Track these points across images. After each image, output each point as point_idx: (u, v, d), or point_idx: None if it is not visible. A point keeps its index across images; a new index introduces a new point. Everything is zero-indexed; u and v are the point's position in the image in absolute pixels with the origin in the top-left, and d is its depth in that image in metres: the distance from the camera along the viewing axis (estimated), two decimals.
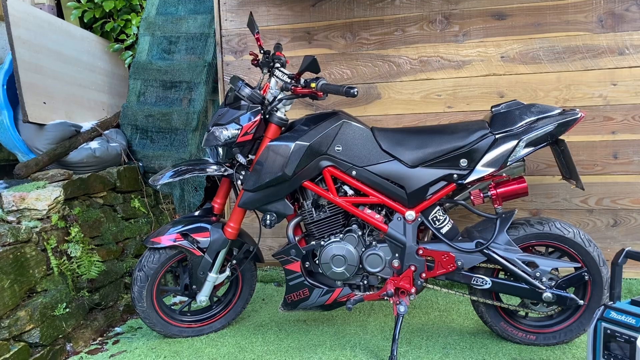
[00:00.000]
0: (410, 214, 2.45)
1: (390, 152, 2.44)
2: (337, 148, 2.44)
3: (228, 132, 2.43)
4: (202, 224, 2.62)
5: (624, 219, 3.11)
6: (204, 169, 2.53)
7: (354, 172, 2.46)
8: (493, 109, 2.45)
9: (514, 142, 2.33)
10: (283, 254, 2.56)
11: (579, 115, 2.35)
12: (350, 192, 2.52)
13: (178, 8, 3.91)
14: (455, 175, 2.40)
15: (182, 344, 2.75)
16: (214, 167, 2.55)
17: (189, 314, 2.85)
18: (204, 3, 3.86)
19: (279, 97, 2.46)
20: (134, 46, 4.10)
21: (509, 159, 2.35)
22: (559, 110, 2.39)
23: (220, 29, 3.62)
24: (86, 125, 3.64)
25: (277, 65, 2.56)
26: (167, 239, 2.58)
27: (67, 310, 2.70)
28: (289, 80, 2.43)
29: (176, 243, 2.58)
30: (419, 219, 2.47)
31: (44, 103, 3.38)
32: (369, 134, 2.47)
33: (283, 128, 2.52)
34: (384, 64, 3.37)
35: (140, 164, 3.71)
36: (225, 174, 2.56)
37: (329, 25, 3.44)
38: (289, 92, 2.44)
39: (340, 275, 2.51)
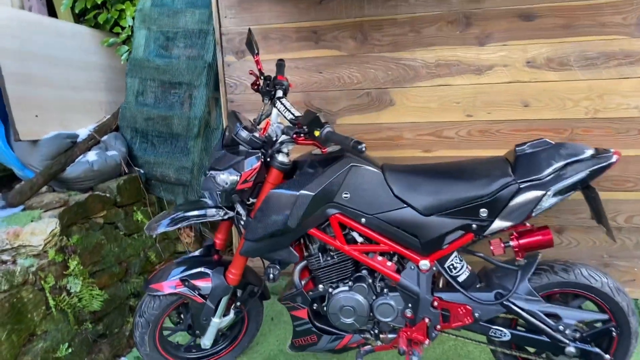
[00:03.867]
0: (425, 264, 2.27)
1: (403, 199, 2.22)
2: (345, 195, 2.22)
3: (226, 178, 2.23)
4: (203, 269, 2.46)
5: None
6: (203, 215, 2.36)
7: (363, 220, 2.25)
8: (517, 149, 2.20)
9: (541, 193, 2.09)
10: (289, 301, 2.42)
11: (613, 160, 2.09)
12: (359, 239, 2.33)
13: (174, 0, 3.59)
14: (474, 226, 2.19)
15: None
16: (213, 211, 2.38)
17: (194, 350, 2.76)
18: None
19: (280, 139, 2.23)
20: (129, 40, 3.83)
21: (534, 210, 2.13)
22: (591, 152, 2.13)
23: (220, 27, 3.33)
24: (83, 132, 3.44)
25: (279, 94, 2.34)
26: (167, 286, 2.44)
27: (70, 350, 2.62)
28: (290, 126, 2.19)
29: (176, 291, 2.44)
30: (434, 268, 2.29)
31: (36, 116, 3.18)
32: (379, 177, 2.24)
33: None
34: (398, 68, 3.09)
35: (142, 171, 3.54)
36: (226, 217, 2.39)
37: (338, 25, 3.13)
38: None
39: (350, 327, 2.37)
